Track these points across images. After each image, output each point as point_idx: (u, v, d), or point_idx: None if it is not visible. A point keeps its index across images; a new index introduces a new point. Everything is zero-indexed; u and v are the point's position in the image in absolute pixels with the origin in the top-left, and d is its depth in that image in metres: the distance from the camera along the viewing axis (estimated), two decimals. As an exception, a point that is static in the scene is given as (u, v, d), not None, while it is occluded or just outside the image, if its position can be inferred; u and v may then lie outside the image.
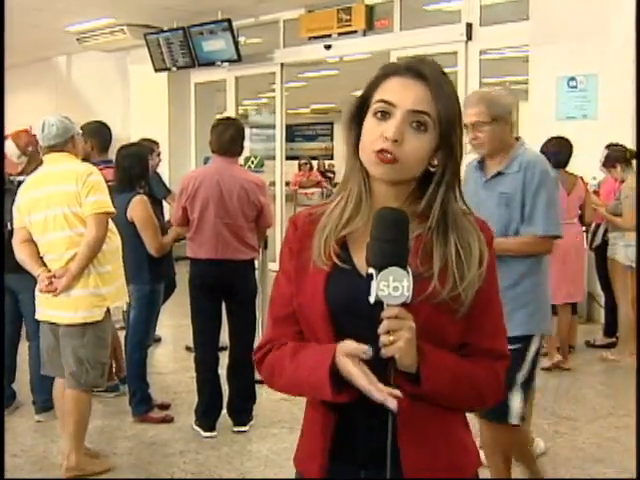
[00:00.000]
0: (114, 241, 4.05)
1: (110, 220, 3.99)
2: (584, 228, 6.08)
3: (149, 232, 4.66)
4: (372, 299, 1.37)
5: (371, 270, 1.38)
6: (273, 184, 10.83)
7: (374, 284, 1.36)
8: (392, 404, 1.38)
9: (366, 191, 1.56)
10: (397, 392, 1.39)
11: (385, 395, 1.38)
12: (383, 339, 1.37)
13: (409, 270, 1.37)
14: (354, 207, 1.55)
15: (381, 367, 1.41)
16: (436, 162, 1.52)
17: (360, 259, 1.50)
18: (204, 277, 4.54)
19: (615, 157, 6.31)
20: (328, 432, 1.54)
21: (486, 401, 1.61)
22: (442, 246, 1.50)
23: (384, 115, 1.50)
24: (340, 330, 1.50)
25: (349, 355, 1.42)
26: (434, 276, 1.47)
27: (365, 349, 1.40)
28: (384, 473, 1.43)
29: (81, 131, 4.32)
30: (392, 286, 1.36)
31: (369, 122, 1.52)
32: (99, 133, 5.41)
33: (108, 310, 3.99)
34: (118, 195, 4.64)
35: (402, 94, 1.50)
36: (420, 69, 1.52)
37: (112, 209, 3.97)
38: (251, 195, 4.50)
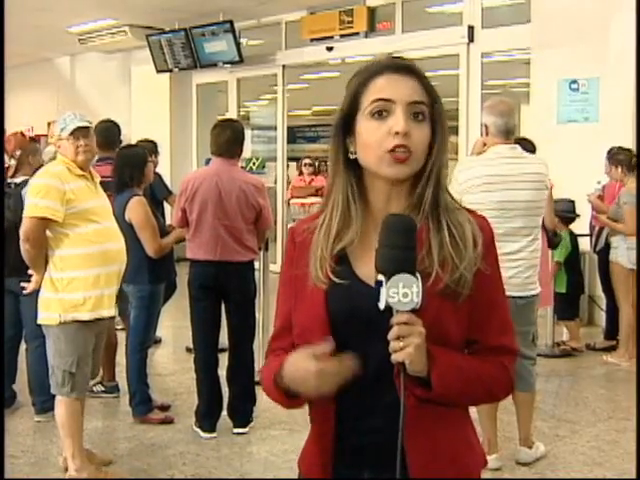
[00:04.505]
0: None
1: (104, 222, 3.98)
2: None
3: (147, 233, 4.64)
4: (382, 305, 1.37)
5: (380, 277, 1.38)
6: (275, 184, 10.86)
7: (383, 291, 1.36)
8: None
9: (354, 199, 1.55)
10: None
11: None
12: (393, 345, 1.38)
13: (418, 276, 1.37)
14: (341, 218, 1.54)
15: (391, 371, 1.42)
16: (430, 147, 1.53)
17: (361, 267, 1.51)
18: (203, 278, 4.53)
19: (619, 159, 6.27)
20: (329, 432, 1.54)
21: (496, 397, 1.66)
22: (437, 231, 1.50)
23: (381, 114, 1.50)
24: (341, 340, 1.50)
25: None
26: (434, 263, 1.47)
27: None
28: (388, 473, 1.43)
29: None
30: (402, 292, 1.36)
31: (367, 124, 1.51)
32: (106, 131, 5.54)
33: None
34: (117, 196, 4.65)
35: (397, 89, 1.50)
36: (403, 64, 1.54)
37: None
38: (250, 197, 4.50)
